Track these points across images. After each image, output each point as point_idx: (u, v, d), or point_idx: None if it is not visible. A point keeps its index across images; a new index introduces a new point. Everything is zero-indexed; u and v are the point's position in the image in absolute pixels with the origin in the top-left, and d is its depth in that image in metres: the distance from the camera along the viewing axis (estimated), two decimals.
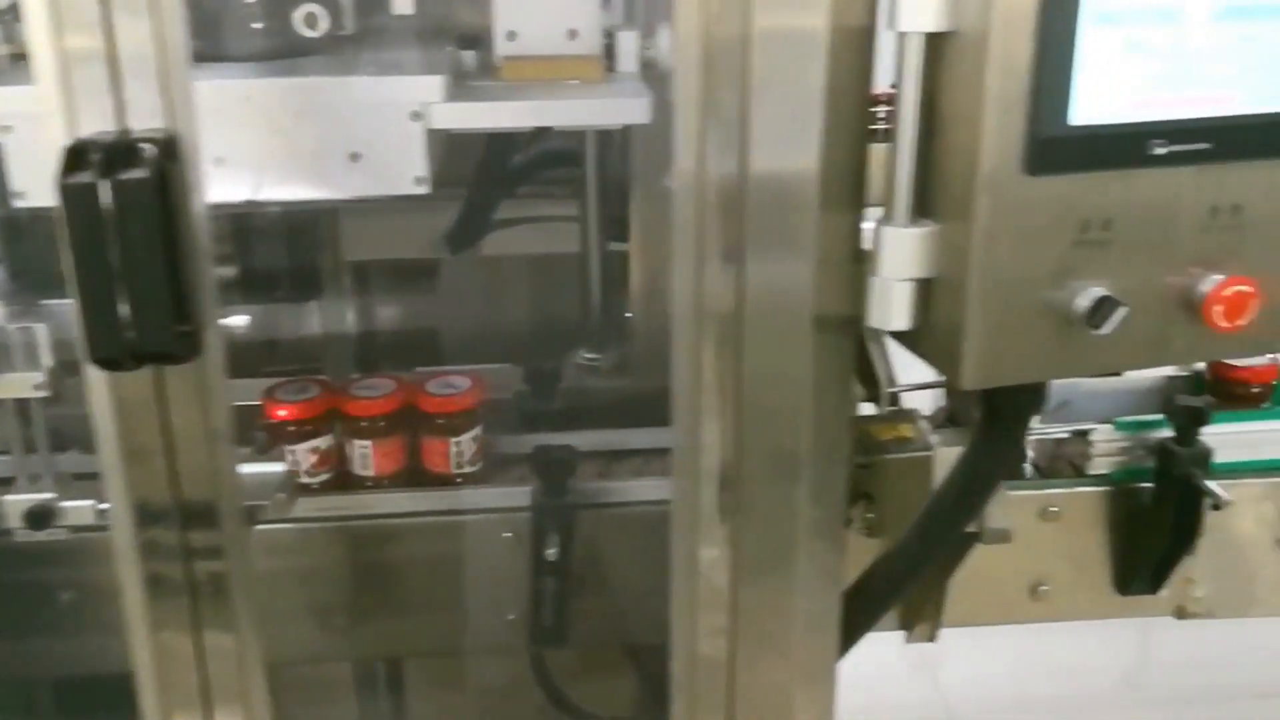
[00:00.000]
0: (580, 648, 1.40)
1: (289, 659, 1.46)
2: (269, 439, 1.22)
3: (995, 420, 0.95)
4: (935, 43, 0.83)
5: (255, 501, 1.06)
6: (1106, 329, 0.84)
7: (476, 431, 1.34)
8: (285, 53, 1.13)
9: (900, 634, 1.40)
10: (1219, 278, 0.87)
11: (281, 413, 1.28)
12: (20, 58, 0.98)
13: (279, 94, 1.03)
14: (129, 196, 0.75)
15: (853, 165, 0.87)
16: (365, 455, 1.32)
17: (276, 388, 1.31)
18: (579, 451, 1.35)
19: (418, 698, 1.76)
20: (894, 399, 1.27)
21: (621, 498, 1.29)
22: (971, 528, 1.15)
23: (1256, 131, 0.86)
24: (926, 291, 0.88)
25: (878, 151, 0.89)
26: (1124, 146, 0.83)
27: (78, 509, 1.08)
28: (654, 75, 1.14)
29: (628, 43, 1.16)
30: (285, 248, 1.40)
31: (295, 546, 1.29)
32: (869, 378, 1.21)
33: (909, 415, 1.20)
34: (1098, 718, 2.68)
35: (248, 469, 1.12)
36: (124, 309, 0.78)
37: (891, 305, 0.88)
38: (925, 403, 1.29)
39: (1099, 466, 1.31)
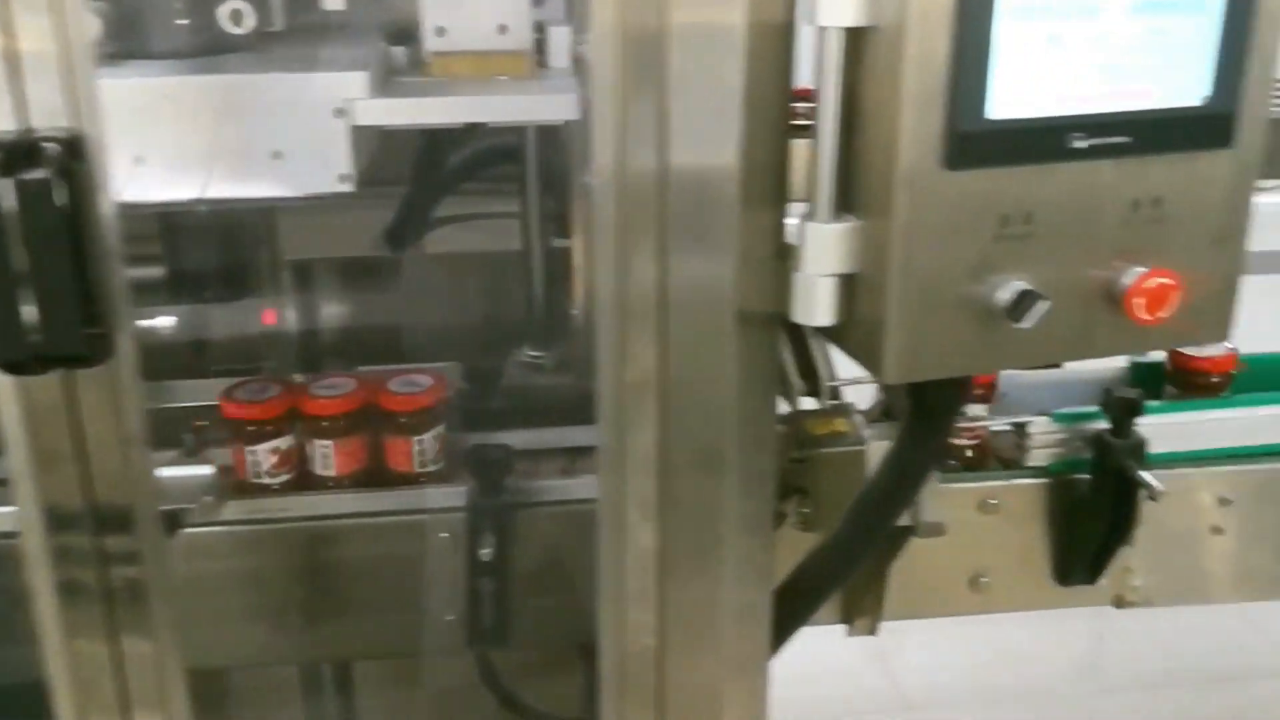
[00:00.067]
0: (523, 647, 1.39)
1: (230, 662, 1.45)
2: (198, 442, 1.21)
3: (921, 414, 0.95)
4: (854, 38, 0.82)
5: (181, 505, 1.05)
6: (1027, 323, 0.84)
7: (439, 429, 1.33)
8: (210, 50, 1.11)
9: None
10: (1140, 270, 0.87)
11: (240, 413, 1.27)
12: None
13: (198, 92, 1.01)
14: (30, 196, 0.73)
15: (774, 161, 0.87)
16: (326, 455, 1.31)
17: (235, 388, 1.30)
18: (520, 450, 1.34)
19: (367, 699, 1.75)
20: (835, 393, 1.27)
21: (563, 495, 1.28)
22: (906, 521, 1.15)
23: (1176, 124, 0.86)
24: (850, 287, 0.87)
25: (800, 147, 0.89)
26: (1043, 140, 0.83)
27: None
28: (586, 71, 1.13)
29: (559, 38, 1.16)
30: (220, 247, 1.38)
31: (233, 549, 1.27)
32: (809, 372, 1.22)
33: (844, 410, 1.20)
34: (1053, 705, 2.70)
35: (173, 472, 1.12)
36: (31, 311, 0.76)
37: (815, 301, 0.87)
38: (865, 397, 1.30)
39: (1037, 458, 1.31)
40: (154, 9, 1.10)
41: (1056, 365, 1.42)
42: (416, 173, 1.51)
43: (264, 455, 1.28)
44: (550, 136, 1.46)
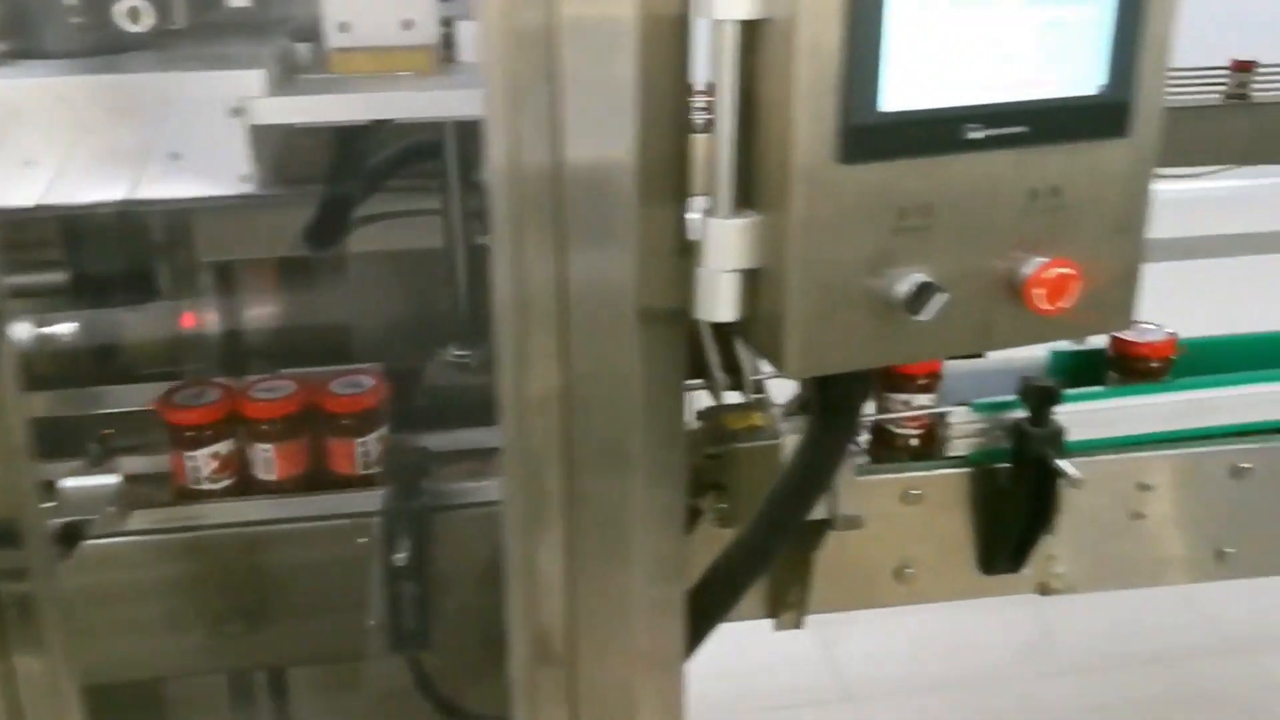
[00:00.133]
0: (448, 651, 1.37)
1: (149, 674, 1.42)
2: (103, 451, 1.18)
3: (828, 408, 0.95)
4: (749, 30, 0.82)
5: (83, 516, 1.03)
6: (926, 315, 0.84)
7: (382, 431, 1.31)
8: (106, 49, 1.09)
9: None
10: (1040, 261, 0.87)
11: (179, 418, 1.25)
12: None
13: (90, 92, 0.99)
14: None
15: (673, 156, 0.86)
16: (268, 459, 1.29)
17: (173, 392, 1.28)
18: (447, 451, 1.33)
19: (301, 705, 1.73)
20: (758, 387, 1.27)
21: (485, 496, 1.27)
22: (824, 514, 1.15)
23: (1072, 114, 0.86)
24: (752, 282, 0.87)
25: (701, 142, 0.88)
26: (938, 132, 0.83)
27: None
28: None
29: (468, 33, 1.14)
30: (128, 250, 1.35)
31: (151, 558, 1.25)
32: (733, 366, 1.21)
33: (762, 404, 1.19)
34: (997, 692, 2.72)
35: (75, 483, 1.09)
36: None
37: (717, 296, 0.87)
38: (788, 391, 1.29)
39: (957, 448, 1.32)
40: (46, 7, 1.07)
41: (979, 355, 1.43)
42: (334, 171, 1.49)
43: (204, 460, 1.26)
44: (471, 132, 1.44)
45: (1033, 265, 0.87)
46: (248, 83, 1.00)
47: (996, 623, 2.85)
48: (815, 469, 0.97)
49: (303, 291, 1.69)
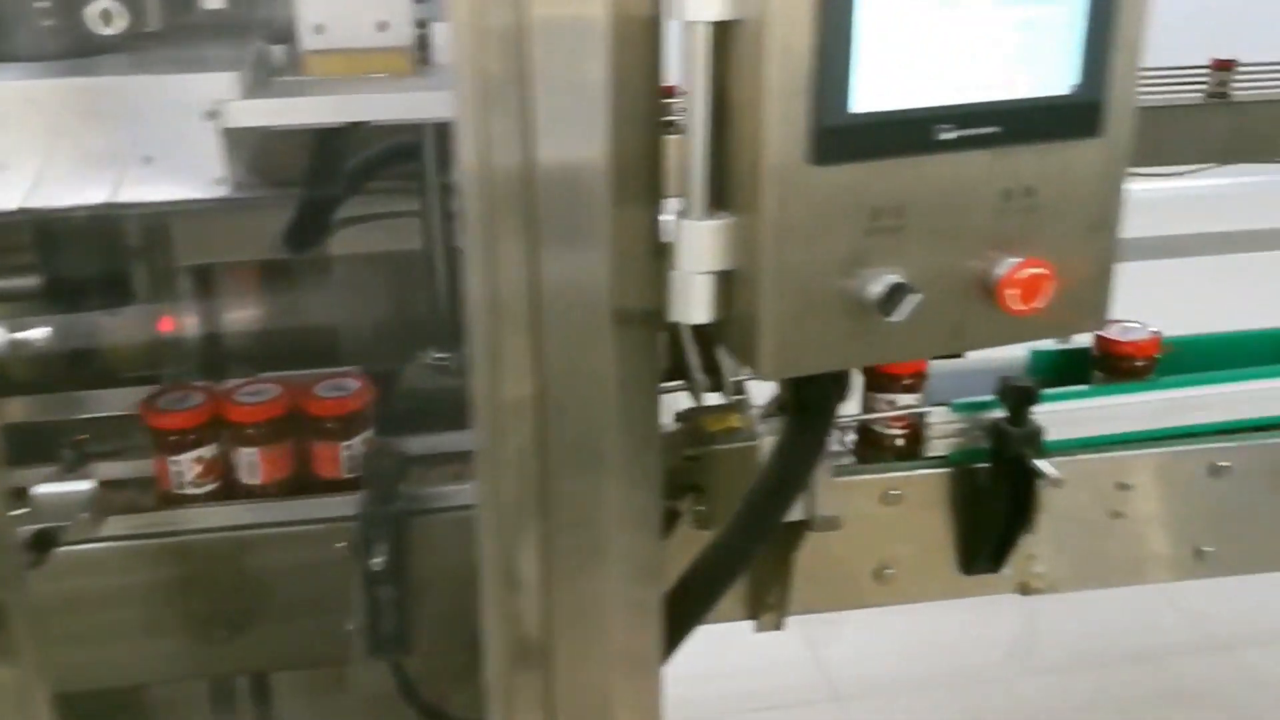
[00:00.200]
0: (429, 655, 1.37)
1: (130, 680, 1.41)
2: (77, 457, 1.17)
3: (804, 409, 0.95)
4: (721, 31, 0.81)
5: (56, 523, 1.02)
6: (899, 316, 0.84)
7: (368, 434, 1.31)
8: (78, 52, 1.08)
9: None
10: (1014, 261, 0.87)
11: (162, 422, 1.24)
12: None
13: (62, 95, 0.98)
14: None
15: (646, 158, 0.86)
16: (252, 463, 1.28)
17: (156, 396, 1.27)
18: (428, 455, 1.32)
19: (284, 709, 1.72)
20: (738, 388, 1.27)
21: (465, 500, 1.26)
22: (802, 515, 1.15)
23: (1045, 114, 0.86)
24: (727, 284, 0.87)
25: (675, 144, 0.88)
26: (910, 133, 0.83)
27: None
28: None
29: (443, 34, 1.14)
30: (105, 254, 1.34)
31: (124, 565, 1.24)
32: (713, 367, 1.21)
33: (740, 406, 1.19)
34: (983, 691, 2.72)
35: (49, 489, 1.09)
36: None
37: (691, 298, 0.86)
38: (768, 392, 1.29)
39: (937, 448, 1.32)
40: (17, 9, 1.06)
41: (958, 355, 1.43)
42: (312, 173, 1.48)
43: (188, 465, 1.25)
44: (449, 134, 1.44)
45: (1006, 265, 0.87)
46: (221, 86, 0.99)
47: (983, 622, 2.85)
48: (791, 470, 0.97)
49: (282, 295, 1.68)
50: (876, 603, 1.36)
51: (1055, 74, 0.86)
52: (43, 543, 1.00)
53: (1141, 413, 1.38)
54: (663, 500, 1.14)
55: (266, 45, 1.14)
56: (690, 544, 1.10)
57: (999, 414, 1.27)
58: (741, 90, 0.82)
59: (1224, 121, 2.84)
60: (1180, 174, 3.00)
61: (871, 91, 0.81)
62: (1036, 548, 1.35)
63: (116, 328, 1.43)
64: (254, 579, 1.28)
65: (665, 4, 0.82)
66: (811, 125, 0.80)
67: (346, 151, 1.52)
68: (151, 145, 1.00)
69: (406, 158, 1.49)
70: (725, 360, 1.16)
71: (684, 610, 1.01)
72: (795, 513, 1.13)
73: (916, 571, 1.36)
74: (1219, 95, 2.71)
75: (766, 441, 1.13)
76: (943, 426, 1.31)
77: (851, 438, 1.39)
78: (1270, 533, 1.43)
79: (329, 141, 1.49)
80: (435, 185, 1.47)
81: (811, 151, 0.81)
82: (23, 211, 1.00)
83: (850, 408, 1.07)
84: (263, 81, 1.07)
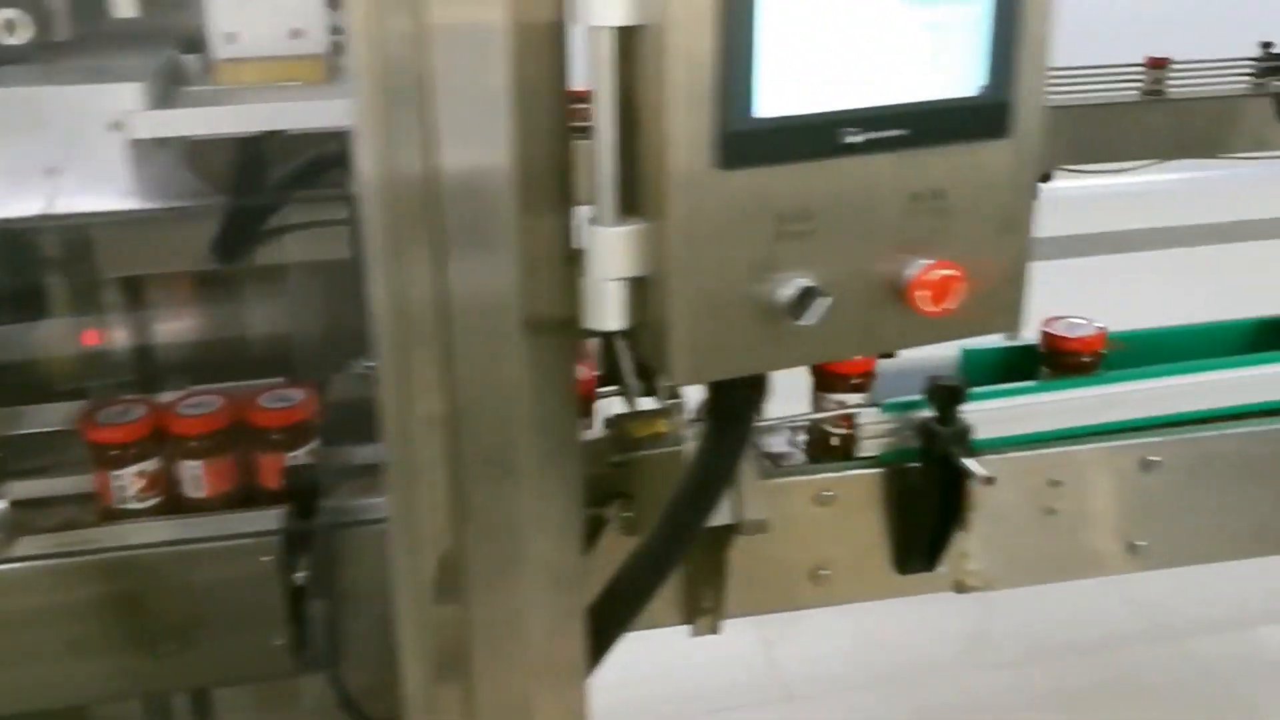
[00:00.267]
0: (365, 668, 1.35)
1: (54, 702, 1.39)
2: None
3: (722, 414, 0.94)
4: (626, 37, 0.81)
5: None
6: (809, 320, 0.84)
7: (314, 445, 1.30)
8: None
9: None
10: (924, 263, 0.87)
11: (103, 436, 1.23)
12: None
13: None
14: None
15: (553, 164, 0.85)
16: (196, 476, 1.27)
17: (94, 410, 1.26)
18: (352, 466, 1.31)
19: None
20: (673, 393, 1.26)
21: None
22: (730, 519, 1.15)
23: (952, 115, 0.86)
24: (639, 290, 0.86)
25: (587, 150, 0.87)
26: (816, 137, 0.83)
27: None
28: None
29: None
30: (22, 265, 1.31)
31: (48, 585, 1.22)
32: (648, 372, 1.20)
33: (667, 411, 1.19)
34: (937, 686, 2.74)
35: None
36: None
37: (604, 305, 0.86)
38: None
39: (868, 448, 1.32)
40: None
41: (889, 355, 1.44)
42: (239, 183, 1.47)
43: (130, 479, 1.24)
44: None
45: (916, 268, 0.87)
46: (125, 96, 0.97)
47: (936, 617, 2.87)
48: (711, 476, 0.96)
49: (212, 305, 1.66)
50: (812, 604, 1.36)
51: (962, 76, 0.86)
52: None
53: (1074, 409, 1.39)
54: (589, 507, 1.14)
55: (178, 54, 1.12)
56: (618, 551, 1.09)
57: (928, 413, 1.28)
58: (647, 96, 0.81)
59: (1161, 118, 2.87)
60: (1123, 170, 3.03)
61: (775, 96, 0.80)
62: (970, 546, 1.36)
63: (36, 341, 1.40)
64: (187, 594, 1.26)
65: (569, 9, 0.82)
66: (716, 130, 0.80)
67: (272, 160, 1.50)
68: (56, 157, 0.98)
69: (335, 165, 1.48)
70: None
71: (609, 619, 1.01)
72: (723, 516, 1.13)
73: (852, 572, 1.36)
74: (1154, 93, 2.74)
75: (691, 447, 1.13)
76: (873, 427, 1.31)
77: (803, 439, 1.39)
78: (1202, 525, 1.44)
79: (252, 151, 1.47)
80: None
81: (717, 156, 0.80)
82: None
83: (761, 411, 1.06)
84: (171, 92, 1.05)
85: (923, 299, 0.87)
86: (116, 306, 1.55)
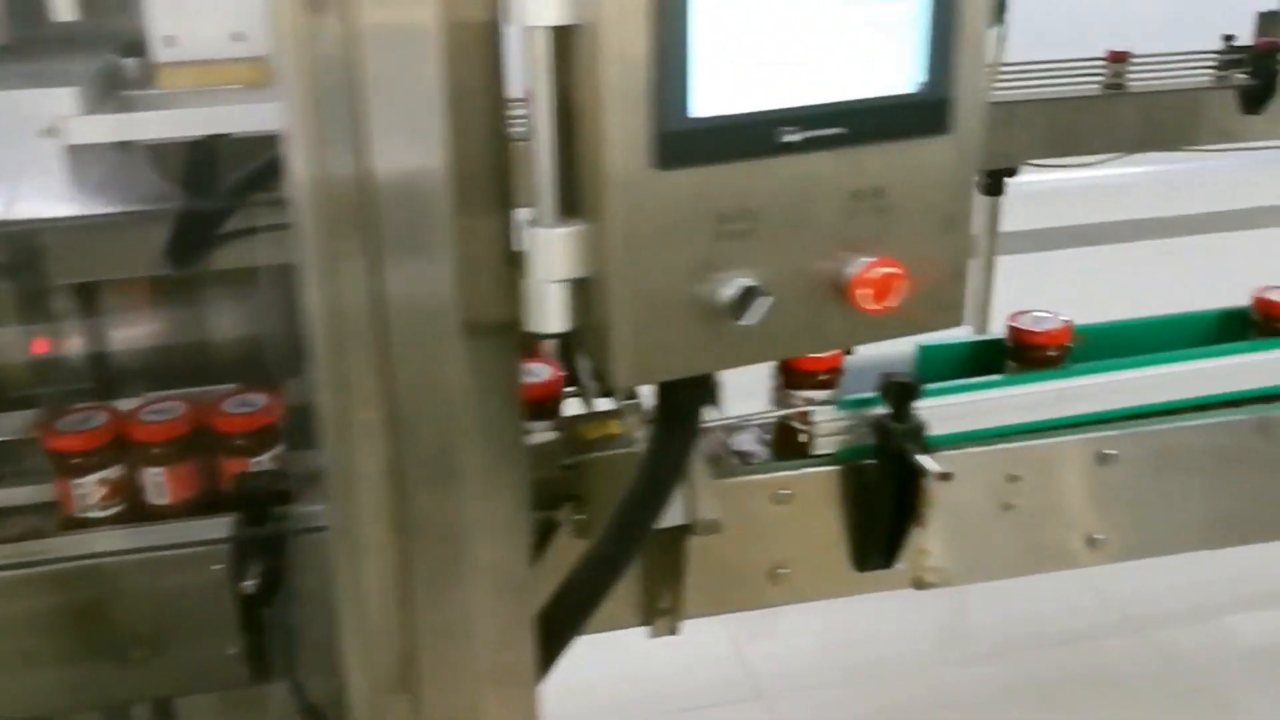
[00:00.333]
0: (323, 675, 1.34)
1: (10, 714, 1.37)
2: None
3: (669, 414, 0.94)
4: (562, 36, 0.80)
5: None
6: (750, 319, 0.83)
7: (279, 450, 1.29)
8: None
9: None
10: (865, 261, 0.87)
11: (63, 444, 1.22)
12: None
13: None
14: None
15: (491, 165, 0.84)
16: (159, 483, 1.26)
17: (53, 418, 1.24)
18: (306, 472, 1.30)
19: None
20: (631, 394, 1.26)
21: None
22: (684, 520, 1.14)
23: (891, 113, 0.86)
24: (582, 292, 0.85)
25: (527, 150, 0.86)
26: (754, 136, 0.82)
27: None
28: None
29: None
30: None
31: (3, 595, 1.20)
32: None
33: (619, 412, 1.18)
34: (907, 681, 2.74)
35: None
36: None
37: (546, 307, 0.85)
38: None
39: (825, 446, 1.32)
40: None
41: (847, 352, 1.44)
42: (186, 187, 1.45)
43: (92, 487, 1.23)
44: None
45: (857, 266, 0.87)
46: (59, 102, 0.96)
47: (906, 612, 2.87)
48: (659, 476, 0.96)
49: (172, 310, 1.65)
50: (771, 603, 1.36)
51: (900, 73, 0.85)
52: None
53: (1031, 404, 1.39)
54: (540, 511, 1.14)
55: (117, 58, 1.10)
56: (572, 554, 1.08)
57: (883, 410, 1.28)
58: (583, 96, 0.81)
59: (1126, 112, 2.89)
60: (1089, 165, 3.05)
61: (712, 95, 0.80)
62: (929, 542, 1.36)
63: None
64: (140, 604, 1.25)
65: (503, 9, 0.81)
66: (652, 130, 0.79)
67: (225, 164, 1.48)
68: None
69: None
70: None
71: (560, 623, 1.00)
72: (676, 517, 1.12)
73: (810, 570, 1.35)
74: (1115, 86, 2.76)
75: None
76: (829, 424, 1.31)
77: (770, 437, 1.39)
78: (1160, 517, 1.45)
79: (204, 154, 1.46)
80: None
81: (654, 157, 0.80)
82: None
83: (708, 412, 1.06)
84: (109, 96, 1.04)
85: (864, 297, 0.86)
86: (69, 313, 1.53)
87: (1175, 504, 1.44)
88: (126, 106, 1.02)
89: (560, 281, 0.85)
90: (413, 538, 0.88)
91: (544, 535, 1.12)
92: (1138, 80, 2.78)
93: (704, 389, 0.93)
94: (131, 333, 1.62)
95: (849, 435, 1.31)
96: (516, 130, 0.87)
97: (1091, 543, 1.43)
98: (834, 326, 0.88)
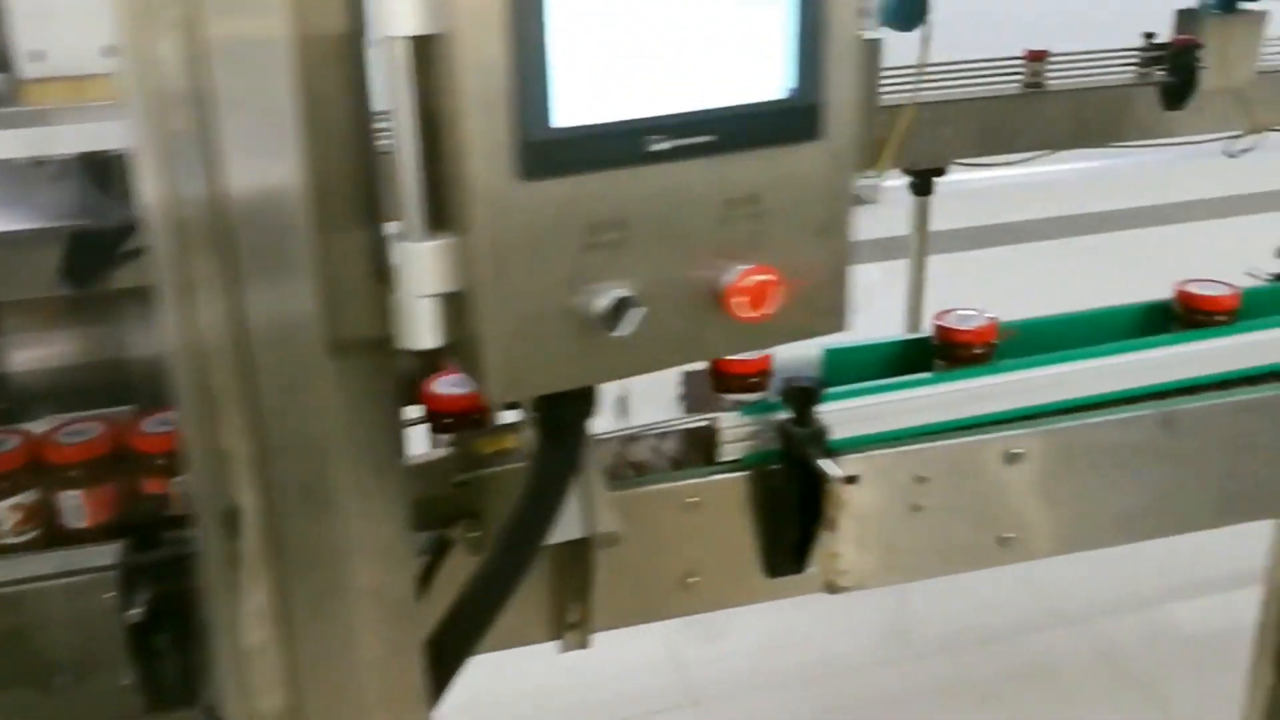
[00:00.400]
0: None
1: None
2: None
3: (550, 429, 0.92)
4: (422, 47, 0.78)
5: None
6: (624, 330, 0.82)
7: None
8: None
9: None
10: (740, 269, 0.86)
11: None
12: None
13: None
14: None
15: (354, 180, 0.82)
16: (76, 506, 1.22)
17: None
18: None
19: None
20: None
21: None
22: (582, 533, 1.12)
23: (762, 119, 0.85)
24: (454, 305, 0.84)
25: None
26: (620, 145, 0.81)
27: None
28: None
29: None
30: None
31: None
32: None
33: (515, 426, 1.16)
34: (843, 682, 2.75)
35: None
36: None
37: (417, 322, 0.83)
38: None
39: (730, 453, 1.31)
40: None
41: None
42: (81, 206, 1.42)
43: (5, 513, 1.19)
44: None
45: (733, 274, 0.86)
46: None
47: (844, 613, 2.88)
48: (544, 491, 0.94)
49: (83, 329, 1.61)
50: (683, 612, 1.35)
51: (770, 79, 0.85)
52: None
53: (938, 404, 1.39)
54: (433, 529, 1.12)
55: None
56: (469, 573, 1.06)
57: (785, 415, 1.27)
58: (445, 107, 0.79)
59: (1052, 110, 2.92)
60: (1015, 162, 3.08)
61: (574, 104, 0.79)
62: (839, 545, 1.35)
63: None
64: (31, 635, 1.21)
65: (363, 20, 0.79)
66: (514, 141, 0.78)
67: (117, 181, 1.45)
68: None
69: None
70: None
71: (451, 645, 0.98)
72: (574, 530, 1.11)
73: (721, 577, 1.34)
74: (1035, 85, 2.78)
75: None
76: (733, 430, 1.30)
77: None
78: (1069, 514, 1.45)
79: (99, 172, 1.43)
80: None
81: (518, 167, 0.78)
82: None
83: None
84: None
85: (740, 305, 0.86)
86: None
87: (1084, 501, 1.44)
88: None
89: (431, 296, 0.83)
90: (289, 564, 0.86)
91: (437, 555, 1.10)
92: (1057, 79, 2.81)
93: (585, 401, 0.92)
94: (38, 354, 1.58)
95: (755, 441, 1.31)
96: (386, 143, 0.85)
97: (1003, 542, 1.43)
98: (712, 335, 0.87)
